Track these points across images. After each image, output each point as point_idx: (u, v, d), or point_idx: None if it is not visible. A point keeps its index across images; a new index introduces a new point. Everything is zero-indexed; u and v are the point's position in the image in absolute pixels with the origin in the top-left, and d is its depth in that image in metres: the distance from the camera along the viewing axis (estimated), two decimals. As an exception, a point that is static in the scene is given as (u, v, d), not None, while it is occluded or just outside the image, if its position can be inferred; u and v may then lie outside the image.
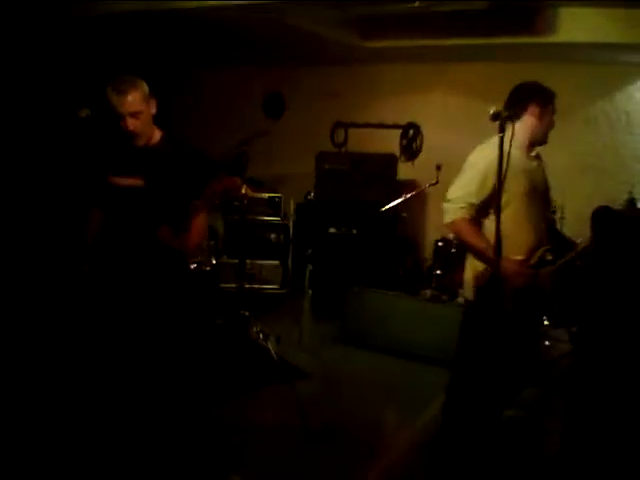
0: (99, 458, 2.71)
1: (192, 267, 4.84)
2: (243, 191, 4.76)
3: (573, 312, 2.99)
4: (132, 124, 2.70)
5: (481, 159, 2.83)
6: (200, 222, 2.91)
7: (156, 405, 2.82)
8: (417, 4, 4.11)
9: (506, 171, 2.40)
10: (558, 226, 4.76)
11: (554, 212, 4.80)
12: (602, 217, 2.73)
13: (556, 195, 3.27)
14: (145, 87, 2.76)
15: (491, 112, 2.38)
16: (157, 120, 2.86)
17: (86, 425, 2.85)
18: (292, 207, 6.37)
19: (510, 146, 2.40)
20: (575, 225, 4.39)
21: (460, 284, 4.92)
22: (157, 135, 2.86)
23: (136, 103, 2.70)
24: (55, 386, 3.26)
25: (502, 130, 2.38)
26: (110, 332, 2.78)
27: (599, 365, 2.69)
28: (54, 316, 3.85)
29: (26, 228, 4.99)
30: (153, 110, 2.80)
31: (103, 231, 2.91)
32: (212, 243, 5.29)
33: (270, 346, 4.35)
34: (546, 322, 4.54)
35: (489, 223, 2.76)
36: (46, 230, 4.98)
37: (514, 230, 2.69)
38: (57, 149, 4.83)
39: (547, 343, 4.38)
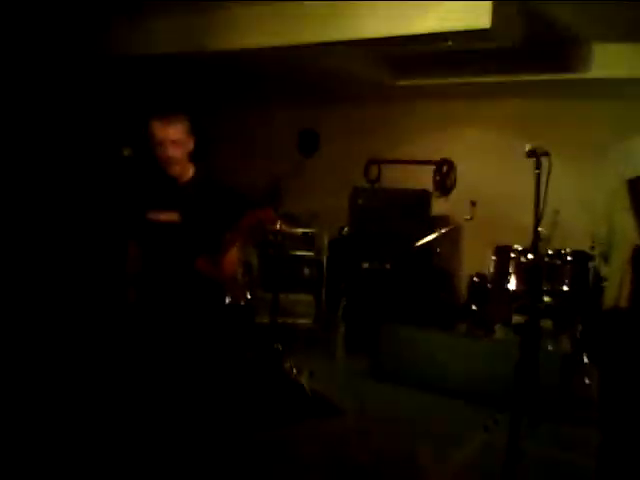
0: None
1: (227, 301, 4.89)
2: (278, 226, 4.83)
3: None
4: (172, 151, 2.78)
5: None
6: (234, 254, 2.96)
7: (189, 436, 2.84)
8: (450, 43, 4.17)
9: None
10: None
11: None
12: None
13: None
14: (187, 122, 2.85)
15: (527, 149, 2.40)
16: (195, 158, 2.95)
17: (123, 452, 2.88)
18: (326, 242, 6.42)
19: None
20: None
21: (496, 319, 4.91)
22: (191, 171, 2.93)
23: (178, 132, 2.79)
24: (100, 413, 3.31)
25: (538, 167, 2.39)
26: (152, 359, 2.82)
27: (631, 403, 2.62)
28: (100, 346, 3.93)
29: (70, 261, 5.13)
30: (191, 146, 2.89)
31: (143, 264, 2.97)
32: (247, 278, 5.35)
33: (304, 381, 4.35)
34: (586, 359, 4.44)
35: None
36: (89, 263, 5.11)
37: None
38: (102, 186, 4.99)
39: (587, 381, 4.28)
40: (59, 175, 5.48)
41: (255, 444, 3.52)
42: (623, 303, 2.74)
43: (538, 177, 2.35)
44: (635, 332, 2.68)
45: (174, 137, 2.77)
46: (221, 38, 4.83)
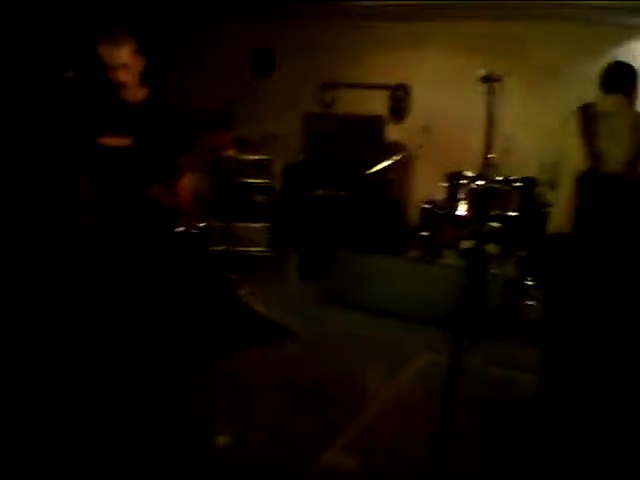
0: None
1: (179, 230, 4.83)
2: (230, 152, 4.74)
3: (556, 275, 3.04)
4: (123, 76, 2.71)
5: None
6: (188, 180, 2.91)
7: (142, 360, 2.87)
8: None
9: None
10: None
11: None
12: (589, 181, 2.75)
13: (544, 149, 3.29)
14: (135, 43, 2.77)
15: (481, 74, 2.38)
16: (146, 78, 2.85)
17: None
18: (279, 168, 6.34)
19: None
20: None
21: (445, 245, 5.02)
22: (143, 93, 2.86)
23: (127, 54, 2.72)
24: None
25: (491, 92, 2.37)
26: (105, 284, 2.80)
27: (574, 323, 2.76)
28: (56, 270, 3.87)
29: (18, 190, 4.96)
30: (141, 67, 2.81)
31: (95, 190, 2.90)
32: (199, 206, 5.27)
33: (258, 307, 4.40)
34: (530, 282, 4.61)
35: None
36: (39, 191, 4.94)
37: None
38: (44, 110, 4.76)
39: (529, 303, 4.46)
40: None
41: (208, 370, 3.58)
42: (567, 229, 2.83)
43: (490, 103, 2.34)
44: (577, 257, 2.78)
45: (124, 60, 2.70)
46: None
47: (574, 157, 2.83)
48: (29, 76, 5.24)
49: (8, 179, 4.99)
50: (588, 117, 2.87)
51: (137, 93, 2.83)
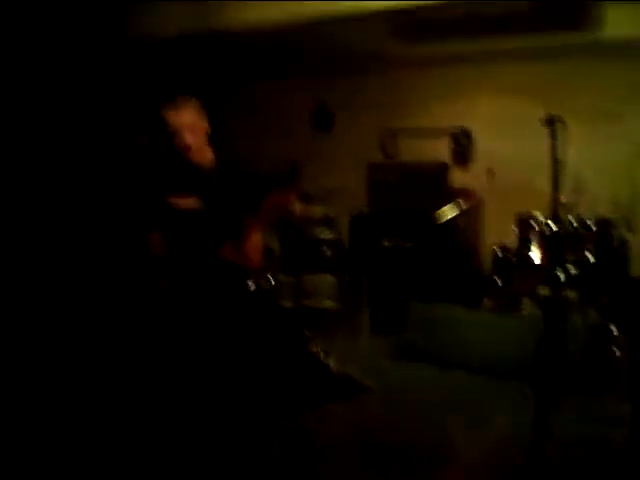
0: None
1: (252, 288, 4.88)
2: (297, 208, 4.79)
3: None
4: (189, 138, 2.75)
5: None
6: (257, 238, 2.93)
7: (218, 421, 2.85)
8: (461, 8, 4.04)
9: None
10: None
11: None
12: None
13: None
14: (198, 104, 2.83)
15: (544, 117, 2.32)
16: (212, 142, 2.92)
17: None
18: (345, 221, 6.37)
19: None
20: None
21: (521, 292, 4.83)
22: (210, 154, 2.91)
23: (192, 116, 2.77)
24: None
25: (554, 135, 2.31)
26: (184, 346, 2.83)
27: None
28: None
29: (93, 252, 5.16)
30: (207, 129, 2.87)
31: (167, 252, 2.95)
32: (268, 263, 5.33)
33: (331, 363, 4.35)
34: (614, 330, 4.35)
35: None
36: (112, 254, 5.13)
37: None
38: (117, 174, 4.98)
39: (616, 352, 4.19)
40: (72, 166, 5.49)
41: (283, 430, 3.53)
42: None
43: (554, 145, 2.27)
44: None
45: (188, 122, 2.75)
46: (229, 15, 4.77)
47: None
48: (102, 140, 5.52)
49: (81, 239, 5.20)
50: None
51: (204, 155, 2.87)
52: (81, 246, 5.22)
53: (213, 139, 2.94)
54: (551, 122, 2.30)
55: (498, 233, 5.73)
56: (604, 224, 4.72)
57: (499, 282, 5.17)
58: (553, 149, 2.32)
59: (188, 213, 2.83)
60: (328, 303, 6.13)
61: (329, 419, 3.78)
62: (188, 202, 2.83)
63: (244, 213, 2.88)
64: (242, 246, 2.91)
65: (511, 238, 5.22)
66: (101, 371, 3.89)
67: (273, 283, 5.26)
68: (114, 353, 4.05)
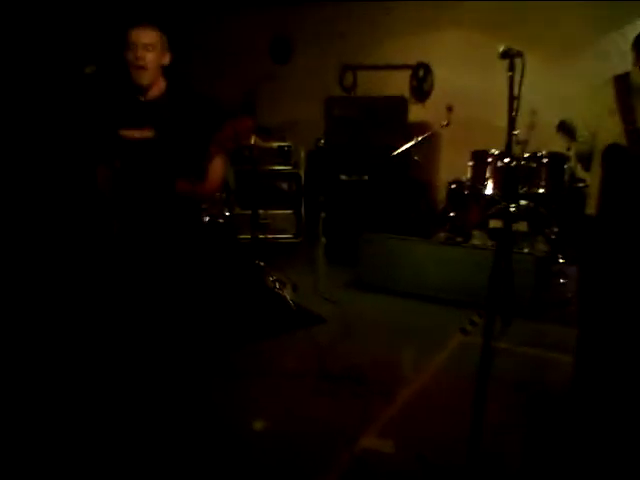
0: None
1: (206, 219, 4.87)
2: (252, 141, 4.73)
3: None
4: (143, 56, 2.69)
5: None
6: (216, 167, 2.88)
7: (170, 351, 2.89)
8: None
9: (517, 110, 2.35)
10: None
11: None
12: (612, 156, 2.63)
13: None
14: (165, 37, 2.77)
15: (500, 50, 2.32)
16: (167, 74, 2.84)
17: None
18: (302, 155, 6.33)
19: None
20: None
21: (474, 225, 4.96)
22: (163, 85, 2.83)
23: (152, 36, 2.71)
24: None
25: (512, 68, 2.32)
26: (134, 277, 2.83)
27: (607, 307, 2.69)
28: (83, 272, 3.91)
29: (37, 189, 5.02)
30: (166, 60, 2.79)
31: (115, 185, 2.90)
32: (224, 195, 5.30)
33: (287, 294, 4.42)
34: (561, 260, 4.54)
35: None
36: (56, 186, 5.00)
37: None
38: (63, 105, 4.80)
39: (562, 281, 4.40)
40: (14, 95, 5.25)
41: (240, 357, 3.61)
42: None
43: (511, 79, 2.28)
44: (604, 239, 2.70)
45: (147, 40, 2.68)
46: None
47: (609, 133, 2.69)
48: (48, 71, 5.29)
49: (24, 174, 5.04)
50: (624, 89, 2.72)
51: (157, 84, 2.80)
52: (27, 178, 5.06)
53: (169, 71, 2.86)
54: (508, 55, 2.30)
55: (454, 168, 5.82)
56: (556, 158, 4.83)
57: (452, 214, 5.29)
58: (509, 83, 2.33)
59: (140, 143, 2.76)
60: (285, 236, 6.16)
61: (284, 348, 3.87)
62: (140, 133, 2.76)
63: (201, 144, 2.83)
64: (202, 175, 2.87)
65: (466, 173, 5.32)
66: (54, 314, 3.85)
67: (228, 215, 5.25)
68: (63, 297, 4.01)
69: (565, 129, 2.75)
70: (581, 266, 3.03)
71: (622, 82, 2.74)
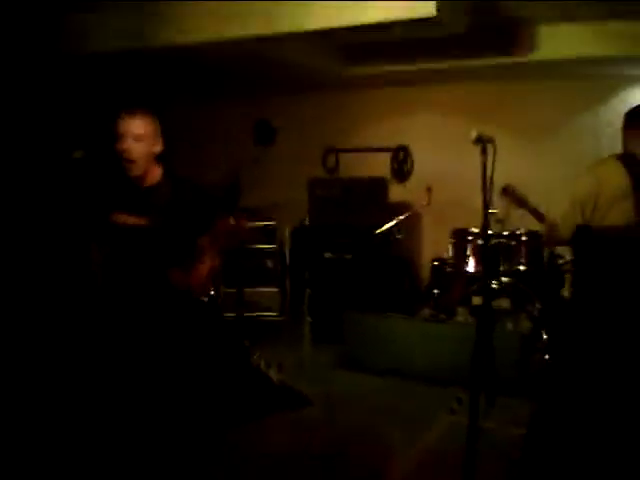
0: None
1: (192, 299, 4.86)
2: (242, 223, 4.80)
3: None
4: (131, 149, 2.63)
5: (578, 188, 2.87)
6: (205, 264, 2.89)
7: (159, 433, 2.83)
8: (398, 32, 4.18)
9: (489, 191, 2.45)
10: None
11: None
12: (582, 237, 2.72)
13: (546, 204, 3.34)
14: (157, 122, 2.74)
15: (473, 136, 2.45)
16: (161, 160, 2.84)
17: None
18: (287, 234, 6.42)
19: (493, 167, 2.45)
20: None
21: (457, 302, 5.00)
22: (158, 173, 2.82)
23: (142, 126, 2.65)
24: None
25: (484, 152, 2.44)
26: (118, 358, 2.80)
27: (575, 379, 2.69)
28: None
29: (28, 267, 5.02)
30: (158, 148, 2.76)
31: (107, 264, 2.88)
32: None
33: (272, 374, 4.38)
34: (545, 336, 4.56)
35: None
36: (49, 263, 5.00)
37: None
38: (51, 191, 4.88)
39: (546, 357, 4.40)
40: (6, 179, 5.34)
41: (225, 440, 3.54)
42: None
43: (484, 164, 2.40)
44: (574, 321, 2.74)
45: (137, 131, 2.64)
46: (170, 33, 4.76)
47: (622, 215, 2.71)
48: (37, 155, 5.39)
49: (17, 254, 5.05)
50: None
51: (151, 172, 2.77)
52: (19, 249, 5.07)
53: (163, 159, 2.88)
54: (480, 140, 2.43)
55: (435, 246, 5.93)
56: (534, 236, 4.95)
57: (435, 291, 5.34)
58: (484, 166, 2.44)
59: (133, 230, 2.75)
60: (270, 314, 6.15)
61: (270, 430, 3.80)
62: (134, 219, 2.75)
63: (193, 234, 2.86)
64: (191, 266, 2.89)
65: (448, 251, 5.41)
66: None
67: (212, 293, 5.26)
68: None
69: (509, 194, 2.84)
70: (555, 345, 3.05)
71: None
